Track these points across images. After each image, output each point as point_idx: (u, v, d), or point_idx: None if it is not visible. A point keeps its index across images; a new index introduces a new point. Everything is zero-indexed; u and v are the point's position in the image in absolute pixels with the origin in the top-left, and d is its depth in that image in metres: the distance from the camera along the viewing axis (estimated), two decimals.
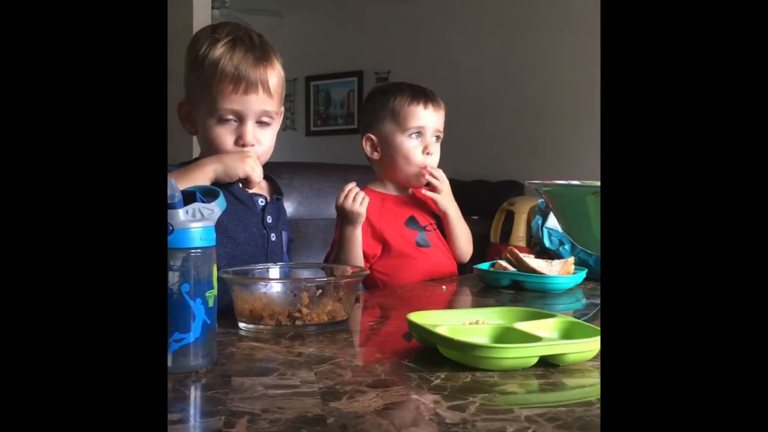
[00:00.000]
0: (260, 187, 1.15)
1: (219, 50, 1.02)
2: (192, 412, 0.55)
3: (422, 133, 1.41)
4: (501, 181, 4.50)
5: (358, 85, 5.62)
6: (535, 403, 0.58)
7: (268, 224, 1.11)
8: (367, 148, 1.45)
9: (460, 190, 1.59)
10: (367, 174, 2.02)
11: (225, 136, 1.04)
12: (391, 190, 1.47)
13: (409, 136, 1.40)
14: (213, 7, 4.03)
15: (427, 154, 1.41)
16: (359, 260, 1.31)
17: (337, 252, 1.32)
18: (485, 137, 4.71)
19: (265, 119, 1.07)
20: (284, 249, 1.15)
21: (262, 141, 1.07)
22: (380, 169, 1.48)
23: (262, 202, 1.12)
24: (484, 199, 4.08)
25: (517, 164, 4.55)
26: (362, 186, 1.47)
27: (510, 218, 3.79)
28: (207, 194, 0.66)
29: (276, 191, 1.18)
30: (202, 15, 3.57)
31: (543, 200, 1.52)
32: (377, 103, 1.44)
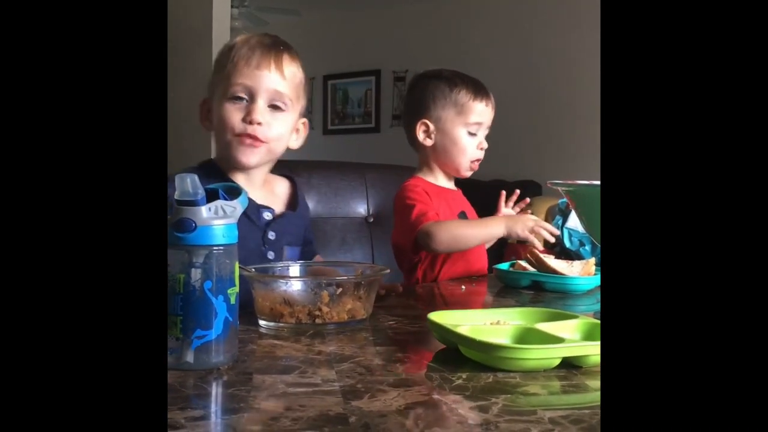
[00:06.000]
0: (275, 196, 1.13)
1: (238, 38, 1.08)
2: (214, 408, 0.55)
3: (479, 129, 1.44)
4: (519, 180, 4.47)
5: (375, 83, 5.61)
6: (559, 404, 0.57)
7: (269, 240, 1.07)
8: (420, 134, 1.43)
9: (478, 190, 1.59)
10: (383, 172, 2.02)
11: (233, 112, 1.04)
12: (440, 181, 1.47)
13: (468, 130, 1.42)
14: (232, 6, 4.05)
15: (480, 149, 1.44)
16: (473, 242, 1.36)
17: (467, 226, 1.36)
18: (503, 137, 4.68)
19: (277, 102, 1.05)
20: None
21: (273, 124, 1.05)
22: (430, 156, 1.46)
23: (267, 216, 1.08)
24: None
25: (535, 164, 4.53)
26: (410, 174, 1.48)
27: None
28: (229, 192, 0.66)
29: (291, 203, 1.14)
30: (221, 13, 3.58)
31: (563, 200, 1.51)
32: (436, 90, 1.43)
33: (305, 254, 1.17)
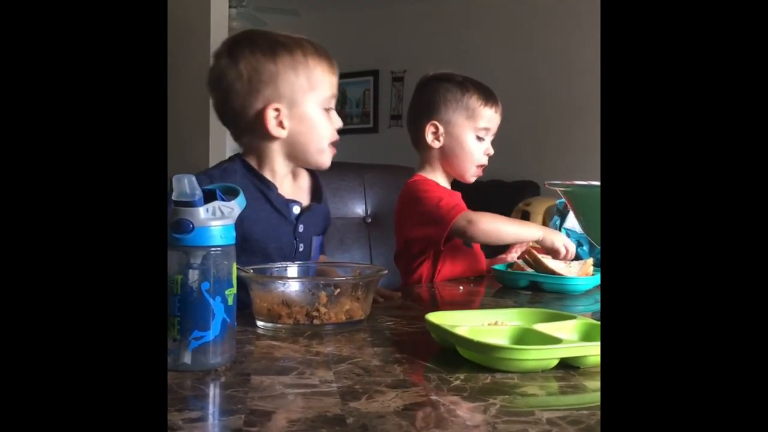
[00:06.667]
0: (300, 189, 1.15)
1: (300, 41, 1.10)
2: (211, 410, 0.55)
3: (486, 134, 1.45)
4: (517, 181, 4.48)
5: (373, 84, 5.61)
6: (556, 405, 0.57)
7: (299, 233, 1.10)
8: (428, 135, 1.44)
9: (476, 191, 1.58)
10: (382, 173, 2.02)
11: (327, 121, 1.10)
12: (441, 182, 1.48)
13: (476, 135, 1.43)
14: (230, 6, 4.04)
15: (486, 155, 1.46)
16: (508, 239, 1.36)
17: (507, 221, 1.36)
18: (501, 137, 4.68)
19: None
20: (312, 256, 1.14)
21: None
22: (436, 158, 1.46)
23: (297, 210, 1.11)
24: (500, 200, 4.06)
25: (533, 165, 4.53)
26: (409, 174, 1.49)
27: (526, 219, 3.77)
28: (227, 192, 0.66)
29: (315, 195, 1.17)
30: (219, 13, 3.58)
31: (561, 201, 1.51)
32: (448, 93, 1.44)
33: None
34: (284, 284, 0.85)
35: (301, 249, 1.11)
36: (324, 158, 1.12)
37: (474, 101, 1.42)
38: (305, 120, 1.08)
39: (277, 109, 1.06)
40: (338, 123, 1.12)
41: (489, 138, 1.47)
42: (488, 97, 1.45)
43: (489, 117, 1.44)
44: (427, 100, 1.46)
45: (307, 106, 1.08)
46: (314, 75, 1.08)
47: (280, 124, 1.07)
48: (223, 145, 3.60)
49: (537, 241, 1.32)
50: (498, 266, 1.30)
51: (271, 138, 1.08)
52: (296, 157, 1.11)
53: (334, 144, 1.12)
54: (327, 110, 1.10)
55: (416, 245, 1.40)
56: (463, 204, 1.41)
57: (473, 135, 1.43)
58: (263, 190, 1.06)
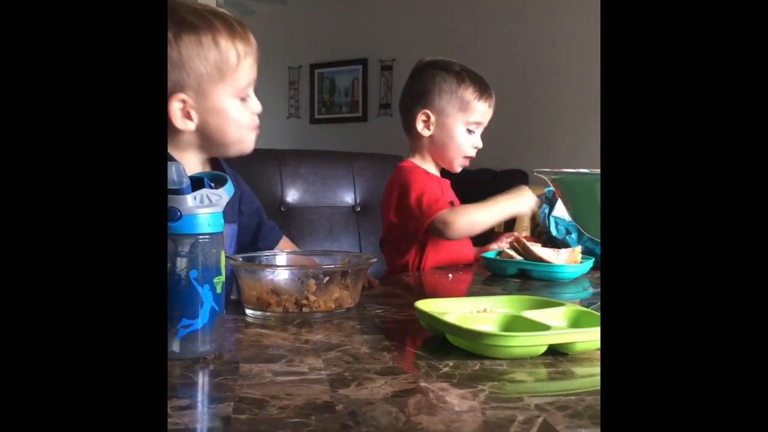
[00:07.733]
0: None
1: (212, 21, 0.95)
2: (200, 398, 0.55)
3: (477, 127, 1.45)
4: (506, 170, 4.48)
5: (362, 73, 5.59)
6: (545, 391, 0.57)
7: None
8: (419, 123, 1.43)
9: (464, 179, 1.59)
10: (371, 161, 2.02)
11: (245, 111, 0.98)
12: (430, 169, 1.47)
13: (467, 128, 1.43)
14: None
15: (475, 148, 1.46)
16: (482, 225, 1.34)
17: (481, 209, 1.35)
18: (490, 126, 4.69)
19: None
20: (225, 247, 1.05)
21: None
22: (425, 146, 1.46)
23: None
24: (489, 188, 4.06)
25: (522, 153, 4.53)
26: (399, 162, 1.48)
27: None
28: (215, 180, 0.66)
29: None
30: (206, 1, 3.56)
31: (550, 189, 1.51)
32: (444, 82, 1.42)
33: (256, 226, 1.10)
34: (273, 272, 0.84)
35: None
36: (244, 146, 0.99)
37: (469, 94, 1.41)
38: (216, 113, 0.94)
39: (182, 101, 0.92)
40: (257, 108, 0.98)
41: (479, 131, 1.46)
42: (483, 90, 1.44)
43: (482, 111, 1.43)
44: (421, 88, 1.45)
45: (217, 99, 0.94)
46: (226, 63, 0.93)
47: (187, 116, 0.93)
48: None
49: (516, 215, 1.31)
50: (487, 254, 1.30)
51: (178, 130, 0.94)
52: (210, 148, 0.99)
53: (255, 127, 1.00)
54: (243, 99, 0.97)
55: (398, 231, 1.40)
56: (445, 199, 1.40)
57: (464, 127, 1.43)
58: None
